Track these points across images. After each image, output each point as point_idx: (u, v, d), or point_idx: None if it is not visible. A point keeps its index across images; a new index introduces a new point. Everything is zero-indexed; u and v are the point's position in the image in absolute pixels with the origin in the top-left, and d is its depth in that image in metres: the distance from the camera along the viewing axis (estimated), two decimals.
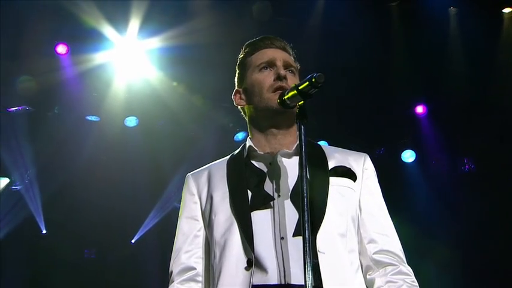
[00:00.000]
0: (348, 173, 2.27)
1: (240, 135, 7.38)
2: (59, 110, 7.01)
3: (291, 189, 2.15)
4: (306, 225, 1.82)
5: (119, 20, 6.36)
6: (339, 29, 6.48)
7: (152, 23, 6.46)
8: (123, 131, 7.19)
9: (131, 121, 7.26)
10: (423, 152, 7.87)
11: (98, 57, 6.52)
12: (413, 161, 7.89)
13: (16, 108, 6.90)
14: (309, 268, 1.76)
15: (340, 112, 7.36)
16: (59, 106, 6.98)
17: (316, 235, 2.04)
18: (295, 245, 1.99)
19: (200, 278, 2.22)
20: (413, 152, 7.87)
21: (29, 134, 7.11)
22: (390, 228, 2.30)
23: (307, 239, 1.80)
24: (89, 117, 7.15)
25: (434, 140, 7.68)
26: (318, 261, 2.00)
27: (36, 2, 5.89)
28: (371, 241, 2.21)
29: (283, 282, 1.99)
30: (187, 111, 6.99)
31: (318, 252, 2.01)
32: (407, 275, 2.19)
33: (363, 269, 2.21)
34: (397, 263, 2.19)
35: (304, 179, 1.88)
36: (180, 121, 7.12)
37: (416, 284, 2.19)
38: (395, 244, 2.25)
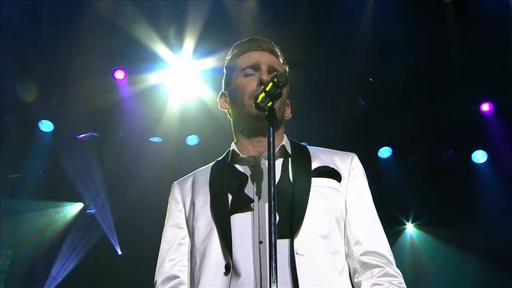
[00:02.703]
0: (331, 173, 2.22)
1: None
2: (123, 134, 7.27)
3: None
4: (273, 228, 1.80)
5: (174, 41, 6.53)
6: (391, 30, 6.33)
7: (207, 44, 6.60)
8: (184, 150, 7.34)
9: (192, 140, 7.40)
10: (495, 151, 7.46)
11: (154, 78, 6.71)
12: (485, 162, 7.51)
13: (84, 135, 7.23)
14: (274, 272, 1.73)
15: (402, 116, 7.16)
16: (123, 130, 7.24)
17: (294, 237, 2.00)
18: None
19: (184, 287, 2.21)
20: (484, 152, 7.50)
21: (98, 159, 7.42)
22: (377, 229, 2.23)
23: (273, 243, 1.77)
24: (152, 139, 7.36)
25: (507, 139, 7.27)
26: (295, 265, 1.96)
27: (93, 23, 6.16)
28: (357, 243, 2.16)
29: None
30: None
31: (296, 255, 1.98)
32: (394, 276, 2.12)
33: (351, 272, 2.16)
34: (383, 265, 2.13)
35: (272, 181, 1.87)
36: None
37: (404, 286, 2.12)
38: (382, 245, 2.18)
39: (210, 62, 6.62)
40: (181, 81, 6.78)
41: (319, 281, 1.98)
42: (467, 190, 7.53)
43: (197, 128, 7.23)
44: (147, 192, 7.51)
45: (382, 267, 2.12)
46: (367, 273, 2.11)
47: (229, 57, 2.46)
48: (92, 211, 8.05)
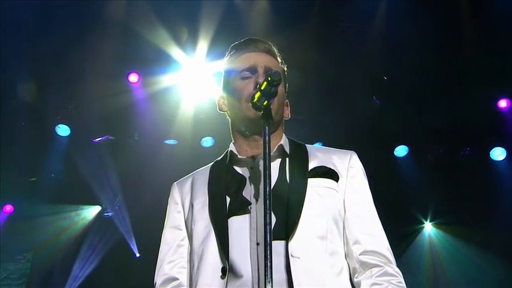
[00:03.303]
0: (328, 173, 2.20)
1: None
2: (138, 136, 7.31)
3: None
4: (268, 227, 1.79)
5: (187, 43, 6.54)
6: (405, 28, 6.27)
7: (220, 45, 6.59)
8: (199, 152, 7.35)
9: (207, 141, 7.42)
10: None
11: (168, 80, 6.71)
12: (504, 159, 7.40)
13: (100, 138, 7.28)
14: (269, 271, 1.73)
15: (418, 114, 7.10)
16: (138, 132, 7.28)
17: (288, 239, 1.99)
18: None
19: None
20: (503, 149, 7.39)
21: (114, 162, 7.47)
22: (376, 227, 2.20)
23: (268, 243, 1.77)
24: (167, 141, 7.39)
25: None
26: (290, 267, 1.95)
27: (107, 26, 6.18)
28: (356, 242, 2.14)
29: None
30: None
31: (291, 257, 1.97)
32: (394, 276, 2.09)
33: (351, 272, 2.14)
34: (382, 264, 2.10)
35: (267, 181, 1.86)
36: None
37: (403, 285, 2.09)
38: (381, 244, 2.16)
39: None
40: (196, 82, 6.79)
41: (316, 283, 1.96)
42: (486, 188, 7.43)
43: (212, 129, 7.23)
44: (164, 195, 7.49)
45: (381, 266, 2.09)
46: (367, 272, 2.09)
47: (227, 58, 2.46)
48: (110, 214, 8.10)
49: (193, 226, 2.21)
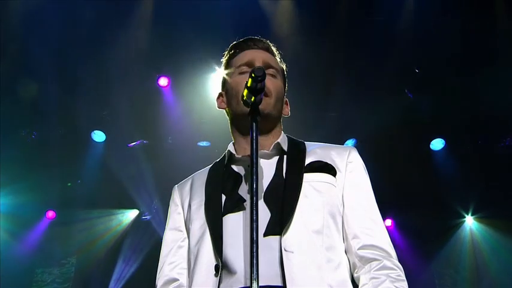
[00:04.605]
0: (325, 167, 2.17)
1: (349, 143, 7.22)
2: (172, 140, 7.40)
3: (264, 190, 2.10)
4: (255, 224, 1.79)
5: (218, 47, 6.54)
6: (437, 18, 6.15)
7: None
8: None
9: None
10: None
11: (198, 82, 6.75)
12: None
13: (134, 143, 7.40)
14: (255, 268, 1.72)
15: (455, 106, 6.95)
16: (172, 136, 7.36)
17: (282, 233, 1.98)
18: (265, 246, 1.94)
19: None
20: None
21: (150, 165, 7.58)
22: (375, 222, 2.15)
23: (254, 240, 1.76)
24: (200, 143, 7.44)
25: None
26: (282, 261, 1.93)
27: (138, 30, 6.29)
28: (355, 237, 2.10)
29: (249, 284, 1.89)
30: (292, 124, 7.00)
31: (284, 251, 1.94)
32: (392, 269, 2.04)
33: (351, 267, 2.10)
34: (381, 258, 2.05)
35: (254, 176, 1.85)
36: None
37: (403, 277, 2.03)
38: (380, 238, 2.11)
39: None
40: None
41: (311, 277, 1.93)
42: None
43: None
44: None
45: (379, 260, 2.05)
46: (366, 267, 2.05)
47: (226, 57, 2.45)
48: (148, 217, 8.22)
49: (190, 226, 2.22)
